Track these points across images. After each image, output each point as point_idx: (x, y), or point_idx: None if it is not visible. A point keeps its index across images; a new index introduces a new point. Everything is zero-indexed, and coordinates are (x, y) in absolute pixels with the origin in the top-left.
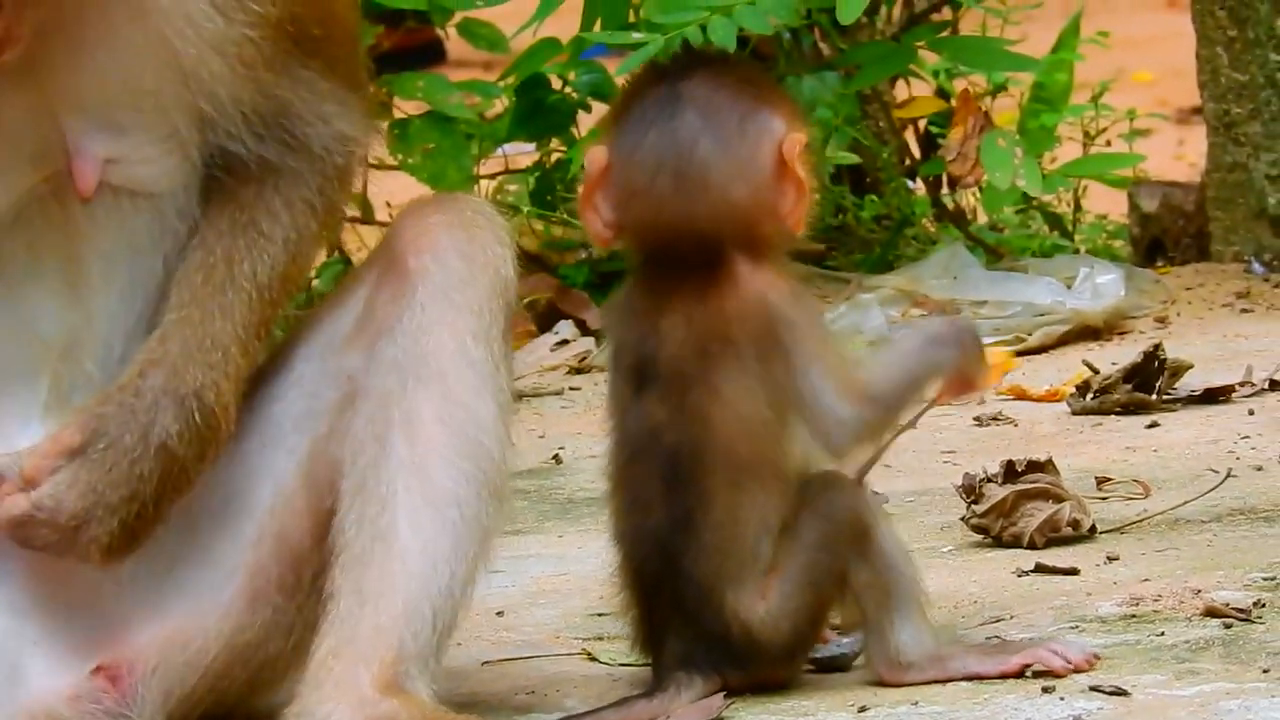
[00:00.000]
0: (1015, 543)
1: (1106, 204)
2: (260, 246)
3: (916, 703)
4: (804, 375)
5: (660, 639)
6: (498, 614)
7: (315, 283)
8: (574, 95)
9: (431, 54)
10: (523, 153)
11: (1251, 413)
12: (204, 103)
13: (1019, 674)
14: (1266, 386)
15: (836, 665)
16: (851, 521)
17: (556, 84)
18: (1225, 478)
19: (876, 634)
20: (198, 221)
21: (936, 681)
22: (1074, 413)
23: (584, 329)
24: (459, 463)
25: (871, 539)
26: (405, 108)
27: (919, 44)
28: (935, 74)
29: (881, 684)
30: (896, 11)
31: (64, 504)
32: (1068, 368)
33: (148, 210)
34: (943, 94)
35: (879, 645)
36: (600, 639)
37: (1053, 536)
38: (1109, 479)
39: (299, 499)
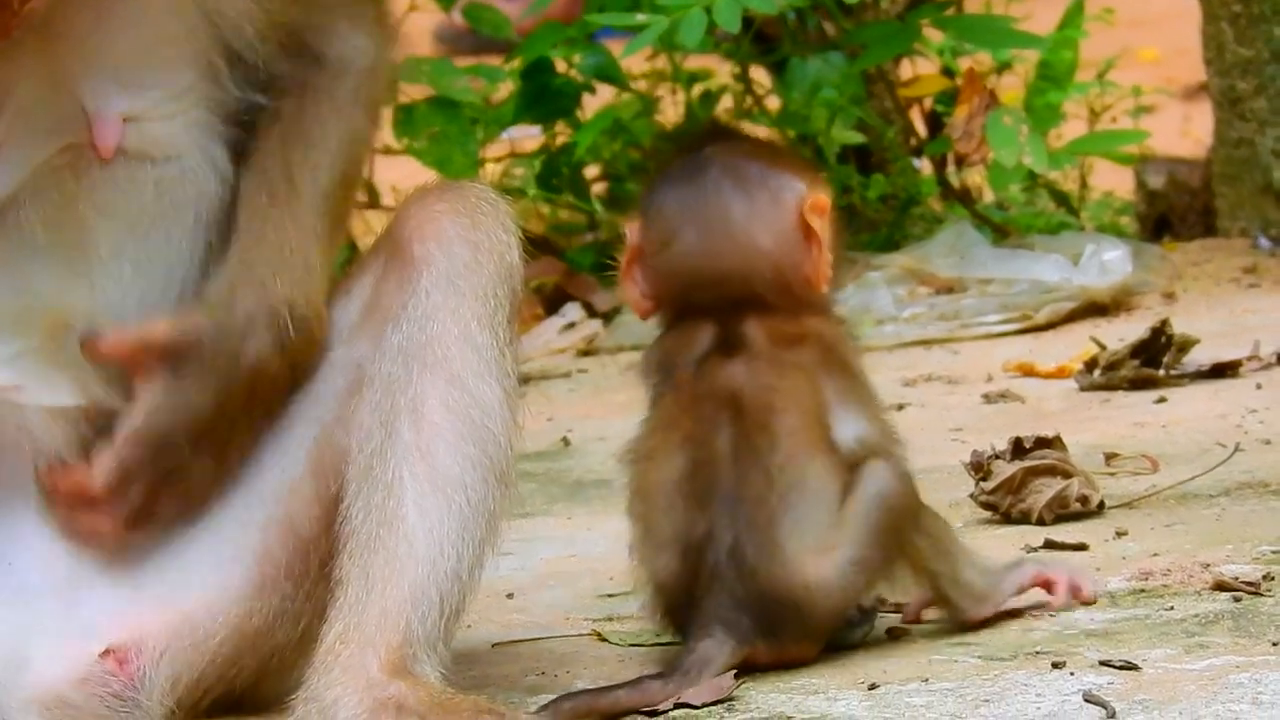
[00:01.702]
0: (1024, 519)
1: (1113, 181)
2: (315, 154)
3: (927, 679)
4: (851, 402)
5: (698, 601)
6: (507, 596)
7: None
8: (579, 78)
9: None
10: (528, 136)
11: (1259, 387)
12: (219, 23)
13: (1046, 584)
14: (1274, 361)
15: (847, 642)
16: (908, 501)
17: (562, 67)
18: (1233, 452)
19: (950, 583)
20: (225, 185)
21: (1005, 609)
22: (1082, 389)
23: (591, 312)
24: (464, 447)
25: (923, 511)
26: (410, 92)
27: (924, 23)
28: (940, 52)
29: (965, 627)
30: None
31: (156, 423)
32: (1075, 344)
33: (168, 177)
34: (948, 72)
35: (956, 590)
36: (610, 620)
37: (1061, 512)
38: (1117, 454)
39: (307, 486)
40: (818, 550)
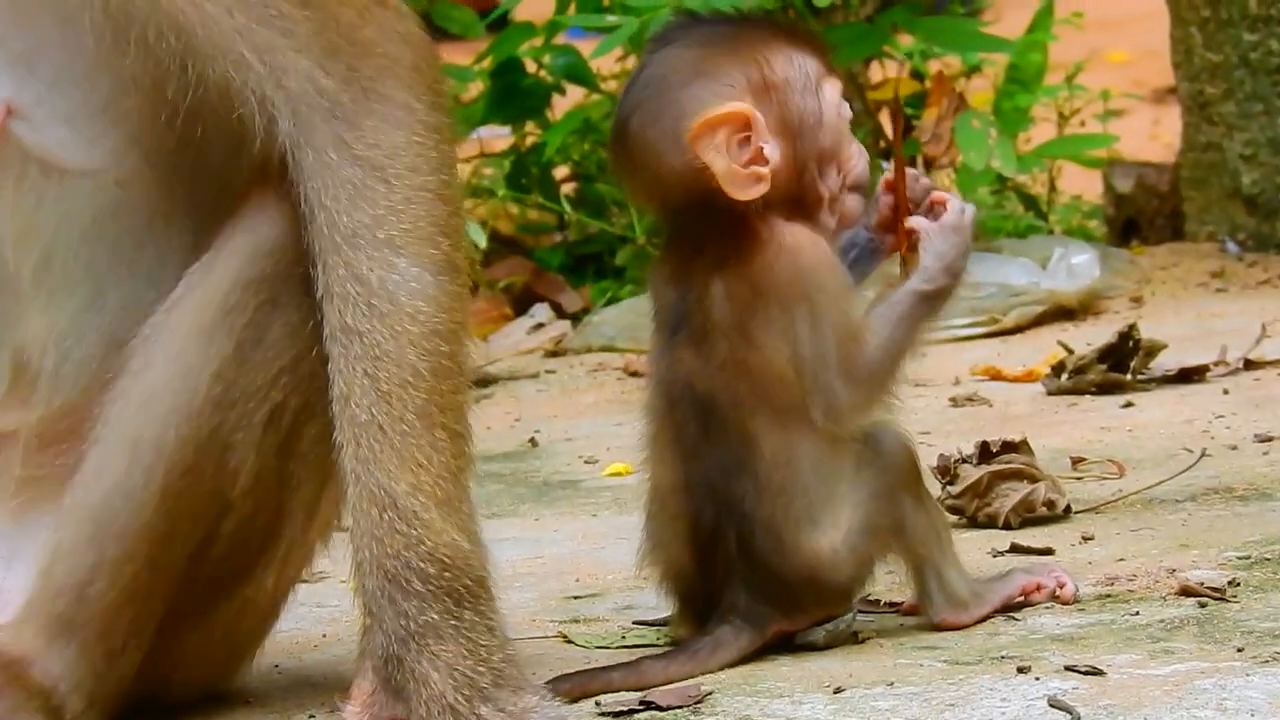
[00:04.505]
0: (990, 523)
1: (1081, 184)
2: None
3: (892, 683)
4: (817, 334)
5: (716, 594)
6: None
7: None
8: (549, 78)
9: None
10: (498, 136)
11: (1226, 392)
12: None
13: (1037, 588)
14: (1241, 366)
15: (812, 645)
16: (909, 469)
17: (531, 67)
18: (1200, 457)
19: (935, 578)
20: (160, 207)
21: (985, 618)
22: (1049, 393)
23: (560, 312)
24: None
25: (924, 486)
26: None
27: (893, 25)
28: (909, 55)
29: (939, 628)
30: None
31: None
32: (1043, 348)
33: (79, 191)
34: (917, 75)
35: (939, 589)
36: (577, 621)
37: (1028, 517)
38: (1084, 459)
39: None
40: (825, 525)
